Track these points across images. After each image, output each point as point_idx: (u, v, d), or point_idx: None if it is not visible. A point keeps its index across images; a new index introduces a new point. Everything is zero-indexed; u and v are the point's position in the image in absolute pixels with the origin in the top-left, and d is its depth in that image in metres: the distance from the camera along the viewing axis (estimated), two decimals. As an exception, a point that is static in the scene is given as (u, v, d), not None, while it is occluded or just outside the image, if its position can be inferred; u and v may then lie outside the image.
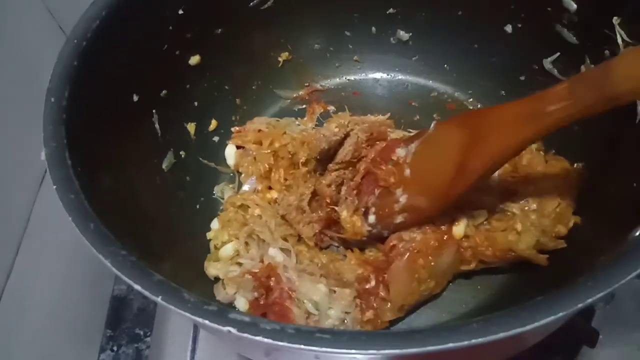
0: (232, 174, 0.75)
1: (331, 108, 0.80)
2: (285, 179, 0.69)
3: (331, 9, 0.77)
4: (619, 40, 0.55)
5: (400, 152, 0.63)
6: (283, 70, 0.82)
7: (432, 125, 0.60)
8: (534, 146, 0.66)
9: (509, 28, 0.70)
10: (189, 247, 0.65)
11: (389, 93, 0.83)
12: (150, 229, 0.57)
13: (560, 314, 0.34)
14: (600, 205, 0.58)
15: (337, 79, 0.84)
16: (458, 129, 0.55)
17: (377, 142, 0.67)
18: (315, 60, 0.82)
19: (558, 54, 0.66)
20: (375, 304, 0.59)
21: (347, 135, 0.67)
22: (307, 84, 0.84)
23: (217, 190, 0.74)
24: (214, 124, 0.76)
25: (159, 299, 0.38)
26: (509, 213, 0.61)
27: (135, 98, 0.61)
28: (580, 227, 0.59)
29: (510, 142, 0.50)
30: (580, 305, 0.35)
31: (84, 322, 0.76)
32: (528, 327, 0.34)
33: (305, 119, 0.79)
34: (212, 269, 0.63)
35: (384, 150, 0.65)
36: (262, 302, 0.60)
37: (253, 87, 0.80)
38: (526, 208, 0.60)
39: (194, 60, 0.70)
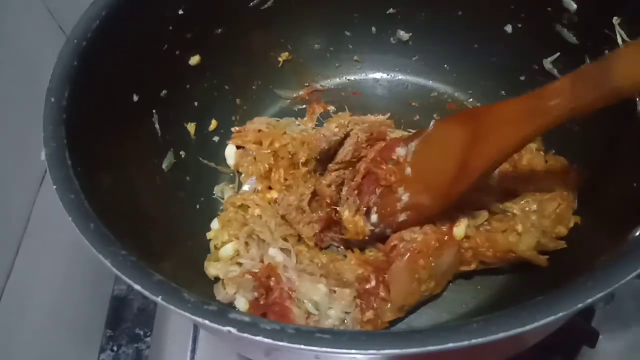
0: (232, 174, 0.75)
1: (331, 108, 0.80)
2: (285, 179, 0.69)
3: (331, 9, 0.77)
4: (619, 40, 0.55)
5: (400, 151, 0.63)
6: (283, 70, 0.82)
7: (432, 123, 0.60)
8: (534, 146, 0.66)
9: (509, 28, 0.70)
10: (189, 247, 0.65)
11: (389, 93, 0.83)
12: (150, 229, 0.57)
13: (560, 314, 0.34)
14: (600, 205, 0.58)
15: (337, 79, 0.84)
16: (458, 127, 0.55)
17: (377, 142, 0.67)
18: (315, 60, 0.82)
19: (558, 54, 0.66)
20: (375, 304, 0.59)
21: (347, 135, 0.67)
22: (307, 84, 0.84)
23: (217, 190, 0.74)
24: (214, 124, 0.76)
25: (159, 299, 0.38)
26: (509, 214, 0.61)
27: (135, 98, 0.61)
28: (580, 227, 0.59)
29: (511, 139, 0.50)
30: (580, 305, 0.35)
31: (84, 322, 0.76)
32: (528, 327, 0.34)
33: (305, 119, 0.79)
34: (212, 269, 0.63)
35: (384, 150, 0.65)
36: (262, 302, 0.60)
37: (253, 87, 0.80)
38: (527, 209, 0.60)
39: (194, 60, 0.70)
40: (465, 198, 0.57)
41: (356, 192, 0.65)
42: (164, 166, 0.67)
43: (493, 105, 0.53)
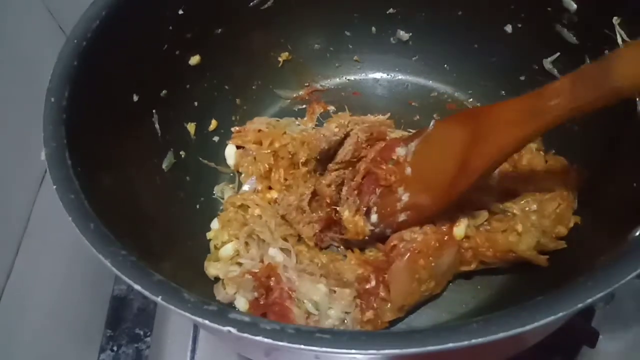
0: (232, 174, 0.75)
1: (331, 108, 0.80)
2: (285, 179, 0.69)
3: (331, 9, 0.77)
4: (619, 40, 0.55)
5: (400, 151, 0.63)
6: (283, 70, 0.82)
7: (432, 123, 0.60)
8: (534, 146, 0.66)
9: (509, 28, 0.70)
10: (189, 247, 0.65)
11: (389, 93, 0.83)
12: (150, 229, 0.57)
13: (560, 314, 0.34)
14: (600, 205, 0.58)
15: (337, 79, 0.84)
16: (458, 127, 0.55)
17: (377, 142, 0.67)
18: (315, 60, 0.82)
19: (558, 54, 0.66)
20: (375, 304, 0.59)
21: (347, 135, 0.67)
22: (307, 84, 0.84)
23: (217, 190, 0.74)
24: (214, 124, 0.76)
25: (159, 299, 0.38)
26: (509, 214, 0.61)
27: (135, 98, 0.61)
28: (580, 227, 0.59)
29: (511, 139, 0.50)
30: (580, 305, 0.35)
31: (84, 322, 0.76)
32: (528, 327, 0.34)
33: (305, 119, 0.79)
34: (212, 269, 0.63)
35: (384, 150, 0.65)
36: (262, 302, 0.60)
37: (253, 87, 0.80)
38: (527, 209, 0.60)
39: (194, 60, 0.70)
40: (465, 198, 0.57)
41: (356, 192, 0.65)
42: (164, 166, 0.67)
43: (493, 105, 0.53)
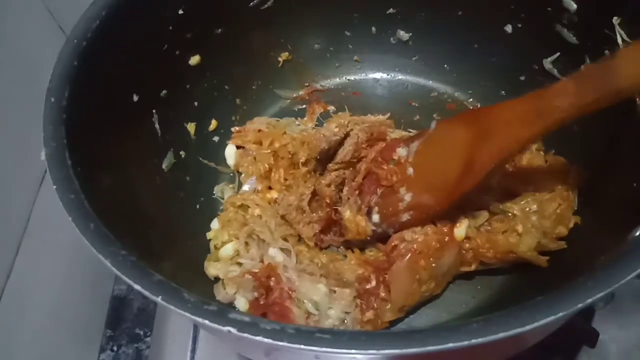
0: (232, 174, 0.75)
1: (331, 108, 0.80)
2: (285, 179, 0.69)
3: (331, 9, 0.77)
4: (619, 40, 0.55)
5: (401, 151, 0.63)
6: (283, 70, 0.82)
7: (433, 124, 0.60)
8: (534, 146, 0.66)
9: (509, 28, 0.70)
10: (189, 247, 0.65)
11: (389, 93, 0.83)
12: (150, 229, 0.57)
13: (560, 314, 0.34)
14: (600, 205, 0.58)
15: (337, 79, 0.84)
16: (462, 127, 0.55)
17: (377, 143, 0.67)
18: (315, 60, 0.82)
19: (558, 54, 0.66)
20: (375, 304, 0.59)
21: (347, 135, 0.67)
22: (307, 84, 0.84)
23: (217, 190, 0.74)
24: (214, 124, 0.76)
25: (159, 299, 0.38)
26: (509, 214, 0.61)
27: (135, 98, 0.61)
28: (580, 227, 0.59)
29: (516, 139, 0.51)
30: (580, 305, 0.35)
31: (84, 322, 0.76)
32: (528, 327, 0.34)
33: (305, 119, 0.79)
34: (212, 269, 0.63)
35: (384, 150, 0.65)
36: (262, 302, 0.60)
37: (253, 87, 0.80)
38: (527, 209, 0.60)
39: (194, 60, 0.70)
40: (467, 198, 0.57)
41: (357, 192, 0.65)
42: (164, 166, 0.67)
43: (496, 105, 0.54)
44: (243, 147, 0.74)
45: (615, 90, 0.43)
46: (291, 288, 0.59)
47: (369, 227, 0.63)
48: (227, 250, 0.64)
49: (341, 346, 0.34)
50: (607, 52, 0.57)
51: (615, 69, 0.43)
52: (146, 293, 0.38)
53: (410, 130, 0.73)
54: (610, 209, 0.55)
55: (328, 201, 0.66)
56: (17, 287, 0.69)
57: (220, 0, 0.69)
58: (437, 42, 0.78)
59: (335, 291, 0.59)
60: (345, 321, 0.59)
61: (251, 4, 0.72)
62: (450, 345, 0.33)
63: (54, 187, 0.44)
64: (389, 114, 0.72)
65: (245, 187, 0.71)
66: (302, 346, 0.34)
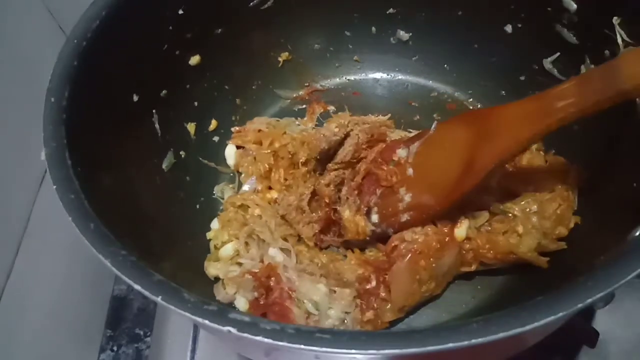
0: (232, 174, 0.75)
1: (331, 108, 0.80)
2: (285, 179, 0.69)
3: (331, 9, 0.77)
4: (619, 40, 0.55)
5: (401, 152, 0.63)
6: (283, 70, 0.82)
7: (434, 125, 0.60)
8: (534, 146, 0.66)
9: (509, 28, 0.70)
10: (189, 247, 0.65)
11: (389, 93, 0.83)
12: (150, 229, 0.57)
13: (560, 314, 0.34)
14: (600, 205, 0.58)
15: (337, 79, 0.84)
16: (462, 128, 0.55)
17: (377, 144, 0.67)
18: (315, 60, 0.82)
19: (558, 54, 0.66)
20: (375, 305, 0.59)
21: (347, 135, 0.67)
22: (307, 84, 0.84)
23: (217, 190, 0.74)
24: (214, 124, 0.76)
25: (159, 299, 0.37)
26: (510, 215, 0.61)
27: (135, 98, 0.61)
28: (580, 227, 0.59)
29: (518, 139, 0.51)
30: (580, 305, 0.35)
31: (84, 322, 0.76)
32: (528, 327, 0.34)
33: (305, 119, 0.79)
34: (212, 269, 0.63)
35: (384, 151, 0.65)
36: (262, 302, 0.60)
37: (253, 87, 0.80)
38: (527, 209, 0.60)
39: (194, 60, 0.70)
40: (467, 198, 0.57)
41: (356, 192, 0.65)
42: (164, 166, 0.67)
43: (498, 106, 0.54)
44: (243, 147, 0.74)
45: (617, 92, 0.44)
46: (291, 288, 0.59)
47: (368, 227, 0.63)
48: (227, 250, 0.64)
49: (341, 346, 0.34)
50: (607, 52, 0.57)
51: (617, 70, 0.43)
52: (146, 293, 0.38)
53: (411, 130, 0.73)
54: (610, 209, 0.55)
55: (327, 201, 0.66)
56: (17, 287, 0.69)
57: (220, 0, 0.69)
58: (437, 42, 0.78)
59: (335, 291, 0.59)
60: (345, 321, 0.59)
61: (251, 4, 0.72)
62: (450, 345, 0.33)
63: (54, 187, 0.44)
64: (389, 114, 0.72)
65: (245, 187, 0.71)
66: (302, 346, 0.34)
